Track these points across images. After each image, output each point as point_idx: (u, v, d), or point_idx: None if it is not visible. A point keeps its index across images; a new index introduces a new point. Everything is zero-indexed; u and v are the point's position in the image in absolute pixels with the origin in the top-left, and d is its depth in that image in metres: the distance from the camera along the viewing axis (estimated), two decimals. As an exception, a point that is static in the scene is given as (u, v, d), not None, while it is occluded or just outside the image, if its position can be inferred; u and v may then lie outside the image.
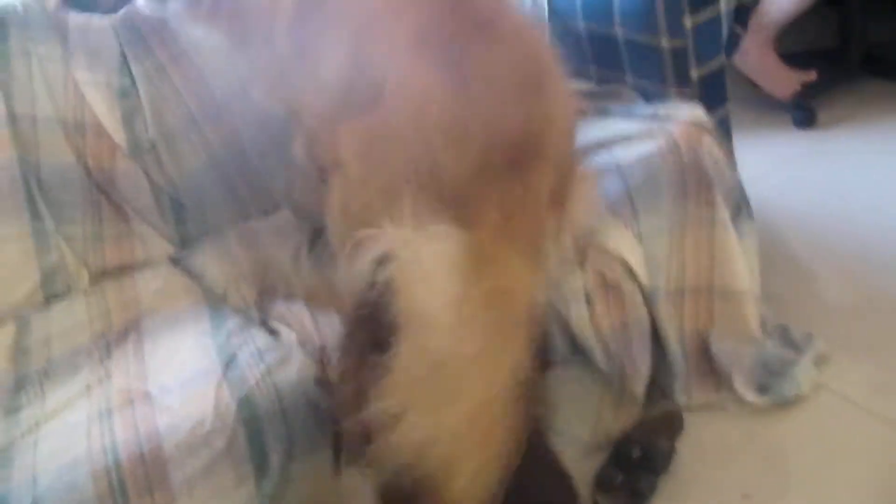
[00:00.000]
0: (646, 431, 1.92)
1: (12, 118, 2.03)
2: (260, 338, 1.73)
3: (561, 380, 1.85)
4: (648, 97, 2.13)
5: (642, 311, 1.89)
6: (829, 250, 2.51)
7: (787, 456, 1.90)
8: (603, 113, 2.10)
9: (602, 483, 1.86)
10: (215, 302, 1.90)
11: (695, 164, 1.92)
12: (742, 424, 1.98)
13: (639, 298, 1.87)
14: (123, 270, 2.08)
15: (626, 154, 1.93)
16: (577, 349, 1.86)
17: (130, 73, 2.08)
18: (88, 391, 1.65)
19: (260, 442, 1.55)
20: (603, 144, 1.98)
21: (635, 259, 1.85)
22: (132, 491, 1.47)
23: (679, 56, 2.02)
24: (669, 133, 1.94)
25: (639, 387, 1.93)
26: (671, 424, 1.96)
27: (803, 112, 3.14)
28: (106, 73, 2.07)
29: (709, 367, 1.99)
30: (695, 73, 2.04)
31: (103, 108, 2.06)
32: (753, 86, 3.20)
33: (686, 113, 1.99)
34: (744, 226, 2.02)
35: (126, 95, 2.08)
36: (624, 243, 1.85)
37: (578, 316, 1.79)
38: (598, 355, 1.85)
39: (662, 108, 2.02)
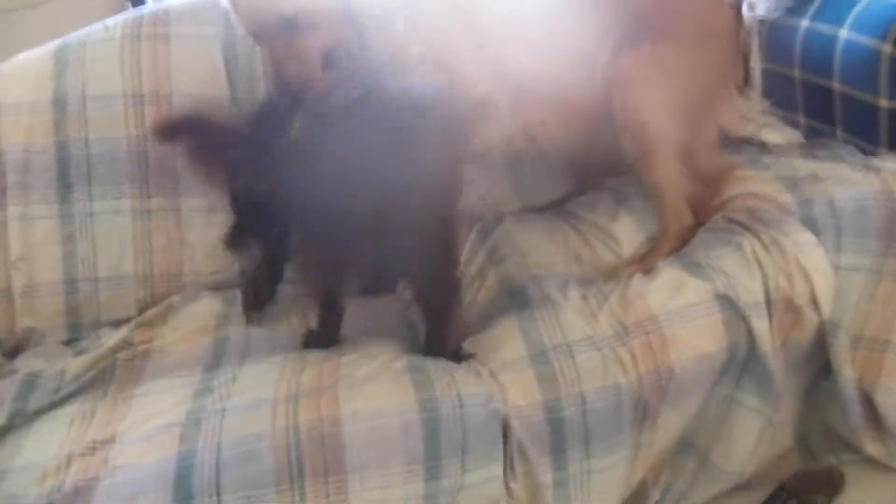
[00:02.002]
0: (804, 485, 1.89)
1: (234, 100, 2.16)
2: None
3: (729, 405, 1.85)
4: (859, 154, 2.10)
5: (809, 339, 1.85)
6: None
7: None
8: (811, 158, 2.08)
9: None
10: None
11: None
12: (904, 492, 1.92)
13: (813, 327, 1.84)
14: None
15: (839, 190, 1.91)
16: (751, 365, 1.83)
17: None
18: (281, 374, 1.71)
19: (436, 444, 1.58)
20: (815, 178, 1.98)
21: (825, 287, 1.82)
22: (308, 470, 1.53)
23: (896, 117, 1.98)
24: (885, 180, 1.92)
25: (787, 414, 1.91)
26: (831, 481, 1.91)
27: None
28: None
29: (874, 419, 1.92)
30: (910, 136, 2.00)
31: None
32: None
33: (901, 166, 1.96)
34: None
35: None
36: (819, 268, 1.83)
37: (760, 328, 1.77)
38: (775, 374, 1.81)
39: (876, 161, 1.98)
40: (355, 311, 1.91)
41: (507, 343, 1.76)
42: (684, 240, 1.96)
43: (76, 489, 1.52)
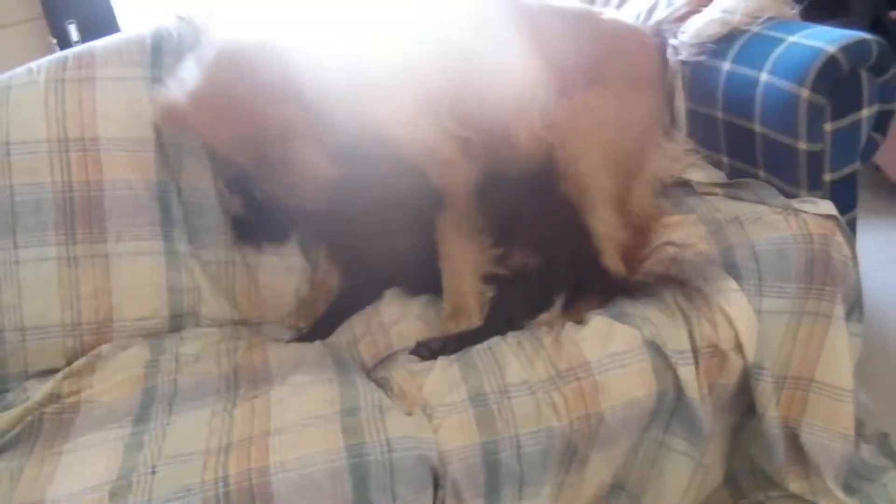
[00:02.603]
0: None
1: (160, 144, 2.13)
2: (380, 393, 1.79)
3: (658, 449, 1.89)
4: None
5: (734, 382, 1.89)
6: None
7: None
8: (735, 198, 2.12)
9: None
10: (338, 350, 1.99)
11: (824, 258, 1.93)
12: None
13: (738, 371, 1.88)
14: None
15: (760, 233, 1.95)
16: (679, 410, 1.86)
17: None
18: (210, 424, 1.71)
19: (364, 490, 1.59)
20: (737, 222, 2.01)
21: (748, 333, 1.86)
22: (238, 522, 1.53)
23: (815, 160, 2.00)
24: (804, 222, 1.96)
25: (715, 454, 1.97)
26: None
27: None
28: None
29: (798, 456, 1.98)
30: (828, 178, 2.02)
31: None
32: (878, 170, 3.16)
33: (820, 207, 2.00)
34: (852, 325, 2.01)
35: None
36: (742, 314, 1.86)
37: (686, 375, 1.81)
38: (703, 419, 1.84)
39: (796, 202, 2.02)
40: (286, 348, 1.96)
41: (447, 385, 1.79)
42: (612, 294, 1.99)
43: (3, 555, 1.50)
